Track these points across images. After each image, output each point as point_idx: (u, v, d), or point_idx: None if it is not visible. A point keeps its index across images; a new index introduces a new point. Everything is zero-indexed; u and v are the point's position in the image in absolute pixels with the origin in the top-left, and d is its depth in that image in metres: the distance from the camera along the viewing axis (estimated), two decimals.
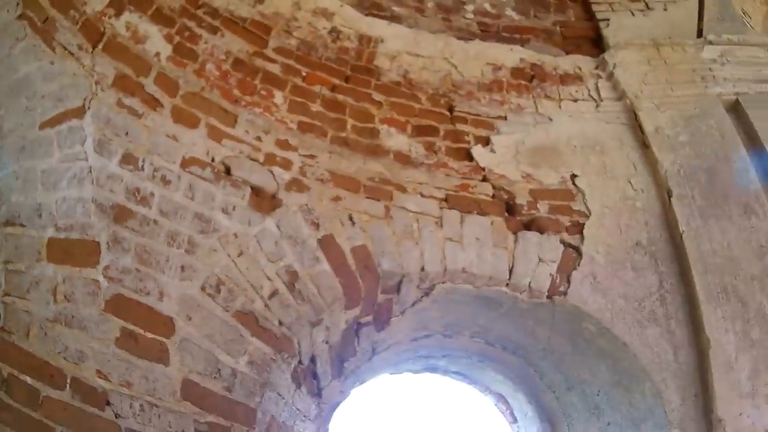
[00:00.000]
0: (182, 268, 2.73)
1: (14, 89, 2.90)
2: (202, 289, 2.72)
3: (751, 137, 3.83)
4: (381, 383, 4.42)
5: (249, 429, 2.62)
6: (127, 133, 2.89)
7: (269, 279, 2.86)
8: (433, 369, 4.37)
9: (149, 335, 2.54)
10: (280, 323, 2.81)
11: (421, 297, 3.29)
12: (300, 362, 2.99)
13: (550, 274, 3.32)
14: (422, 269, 3.15)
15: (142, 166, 2.85)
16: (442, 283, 3.22)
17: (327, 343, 3.14)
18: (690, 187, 3.64)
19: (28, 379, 2.32)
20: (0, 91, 2.89)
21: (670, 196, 3.60)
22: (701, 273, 3.48)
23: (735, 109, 3.94)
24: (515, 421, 4.64)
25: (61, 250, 2.58)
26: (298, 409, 3.13)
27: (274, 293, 2.84)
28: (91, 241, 2.62)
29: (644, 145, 3.78)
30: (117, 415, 2.36)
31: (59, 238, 2.61)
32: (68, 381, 2.35)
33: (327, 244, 3.04)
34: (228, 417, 2.57)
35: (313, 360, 3.12)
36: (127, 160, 2.83)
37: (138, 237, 2.70)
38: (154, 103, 3.03)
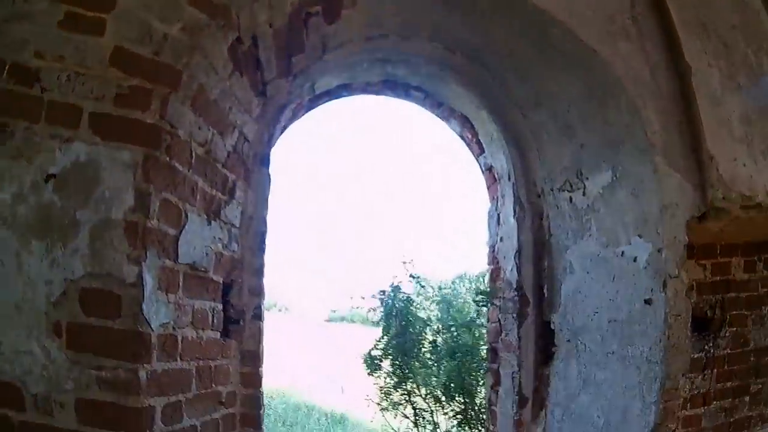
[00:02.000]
0: None
1: None
2: None
3: None
4: (339, 106, 4.34)
5: (171, 91, 2.48)
6: None
7: None
8: (393, 82, 4.23)
9: (90, 14, 2.42)
10: None
11: None
12: (239, 40, 2.85)
13: None
14: None
15: None
16: None
17: (271, 26, 2.99)
18: None
19: None
20: None
21: None
22: (676, 8, 3.34)
23: None
24: (482, 151, 4.57)
25: None
26: (236, 97, 3.02)
27: None
28: None
29: None
30: (43, 90, 2.36)
31: None
32: (6, 68, 2.36)
33: None
34: (152, 80, 2.45)
35: (255, 43, 2.98)
36: None
37: None
38: None
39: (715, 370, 3.84)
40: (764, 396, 4.14)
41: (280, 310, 28.17)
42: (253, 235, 3.47)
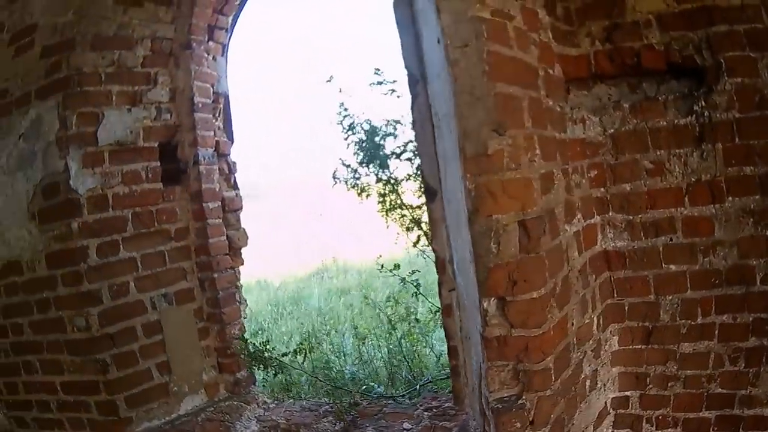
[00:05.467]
0: None
1: None
2: None
3: None
4: None
5: (71, 52, 3.80)
6: None
7: None
8: None
9: (25, 40, 3.94)
10: None
11: None
12: None
13: None
14: None
15: None
16: None
17: None
18: None
19: None
20: None
21: None
22: None
23: None
24: None
25: None
26: (138, 19, 4.09)
27: None
28: None
29: None
30: (10, 94, 4.00)
31: None
32: None
33: None
34: (58, 53, 3.82)
35: None
36: None
37: None
38: None
39: (719, 145, 2.86)
40: None
41: None
42: (185, 102, 4.50)
